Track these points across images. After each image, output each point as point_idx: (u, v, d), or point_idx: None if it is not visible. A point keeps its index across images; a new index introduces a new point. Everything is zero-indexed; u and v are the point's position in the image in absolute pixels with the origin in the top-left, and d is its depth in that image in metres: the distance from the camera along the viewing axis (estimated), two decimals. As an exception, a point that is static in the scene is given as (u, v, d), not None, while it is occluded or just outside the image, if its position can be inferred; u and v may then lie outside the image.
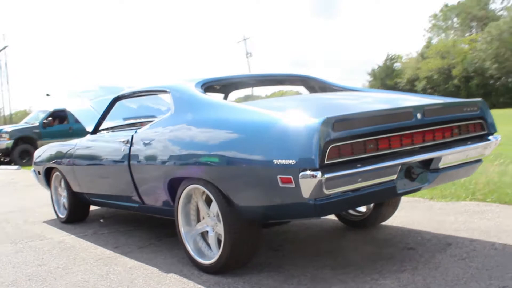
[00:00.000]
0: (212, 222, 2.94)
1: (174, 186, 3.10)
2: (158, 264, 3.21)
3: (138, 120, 4.53)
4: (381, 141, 2.44)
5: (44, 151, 5.10)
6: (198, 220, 3.09)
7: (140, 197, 3.51)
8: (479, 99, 3.01)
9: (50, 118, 15.18)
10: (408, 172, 2.62)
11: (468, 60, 46.03)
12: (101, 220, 4.86)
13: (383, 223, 3.74)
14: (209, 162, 2.70)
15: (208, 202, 2.96)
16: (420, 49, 57.67)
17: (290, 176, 2.25)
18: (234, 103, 3.01)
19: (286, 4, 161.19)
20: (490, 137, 3.01)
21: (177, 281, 2.86)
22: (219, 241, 2.89)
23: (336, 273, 2.75)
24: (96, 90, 5.32)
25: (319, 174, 2.16)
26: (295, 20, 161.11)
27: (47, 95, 5.46)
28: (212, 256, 2.95)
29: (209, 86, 3.32)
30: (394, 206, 3.60)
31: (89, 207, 4.85)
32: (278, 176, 2.31)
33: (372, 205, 3.56)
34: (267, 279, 2.76)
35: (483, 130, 2.99)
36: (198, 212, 3.09)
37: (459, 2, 55.04)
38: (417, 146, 2.63)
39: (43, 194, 6.96)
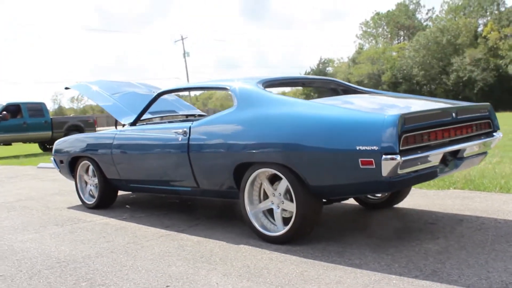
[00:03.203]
0: (278, 200, 3.49)
1: (239, 171, 3.63)
2: (221, 239, 3.71)
3: (167, 114, 5.08)
4: (431, 134, 3.11)
5: (68, 141, 5.43)
6: (260, 200, 3.64)
7: (196, 181, 3.99)
8: (488, 103, 3.78)
9: (4, 112, 14.93)
10: (444, 159, 3.30)
11: (397, 67, 48.62)
12: (127, 206, 5.26)
13: (396, 205, 4.43)
14: (287, 150, 3.25)
15: (272, 183, 3.52)
16: (352, 55, 60.12)
17: (372, 159, 2.86)
18: (303, 100, 3.58)
19: (219, 6, 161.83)
20: (494, 134, 3.76)
21: (251, 250, 3.39)
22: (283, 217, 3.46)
23: (380, 242, 3.38)
24: (114, 86, 5.70)
25: (398, 157, 2.79)
26: (228, 22, 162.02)
27: (66, 88, 5.76)
28: (275, 229, 3.51)
29: (268, 85, 3.88)
30: (408, 190, 4.31)
31: (117, 194, 5.24)
32: (360, 159, 2.91)
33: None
34: (328, 246, 3.35)
35: (490, 128, 3.74)
36: (260, 193, 3.64)
37: (388, 11, 57.82)
38: (452, 138, 3.32)
39: (34, 185, 7.26)
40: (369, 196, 4.40)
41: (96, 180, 5.12)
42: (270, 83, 3.97)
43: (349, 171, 3.02)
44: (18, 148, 19.54)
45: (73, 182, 5.50)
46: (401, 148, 2.84)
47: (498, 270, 2.71)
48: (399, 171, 2.88)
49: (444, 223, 3.79)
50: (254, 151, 3.46)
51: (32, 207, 5.51)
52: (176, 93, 4.70)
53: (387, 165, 2.82)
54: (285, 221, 3.50)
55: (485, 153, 3.79)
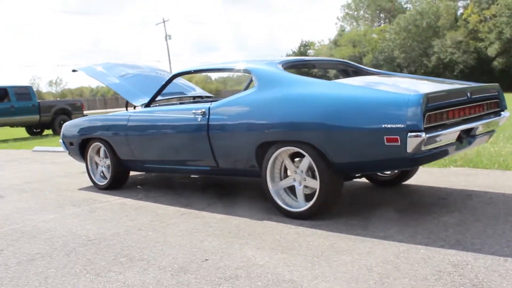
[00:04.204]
0: (299, 177, 3.63)
1: (260, 149, 3.75)
2: (244, 216, 3.84)
3: (176, 96, 5.19)
4: (450, 113, 3.27)
5: (78, 123, 5.48)
6: (280, 178, 3.77)
7: (215, 161, 4.11)
8: (497, 84, 3.96)
9: (-8, 96, 14.79)
10: (459, 137, 3.46)
11: (378, 49, 48.93)
12: (139, 187, 5.36)
13: (404, 182, 4.60)
14: (312, 129, 3.37)
15: (292, 161, 3.66)
16: (333, 37, 60.28)
17: (397, 136, 3.01)
18: (326, 80, 3.70)
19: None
20: (502, 113, 3.94)
21: (277, 225, 3.53)
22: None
23: (399, 216, 3.55)
24: (121, 67, 5.75)
25: (423, 134, 2.95)
26: (208, 5, 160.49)
27: (73, 70, 5.79)
28: (297, 205, 3.66)
29: (287, 66, 3.99)
30: (416, 168, 4.49)
31: (129, 174, 5.33)
32: (385, 137, 3.06)
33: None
34: (350, 221, 3.50)
35: (498, 107, 3.92)
36: (281, 170, 3.77)
37: (369, -7, 57.97)
38: (466, 117, 3.48)
39: (36, 168, 7.32)
40: (379, 173, 4.57)
41: (107, 162, 5.20)
42: (289, 65, 4.09)
43: (374, 148, 3.16)
44: (3, 132, 19.34)
45: (80, 164, 5.59)
46: (424, 126, 3.00)
47: (517, 239, 2.89)
48: (423, 148, 3.03)
49: (455, 198, 3.97)
50: (278, 130, 3.58)
51: (43, 189, 5.57)
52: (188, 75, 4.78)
53: (412, 142, 2.97)
54: (306, 197, 3.64)
55: (493, 131, 3.98)
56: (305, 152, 3.49)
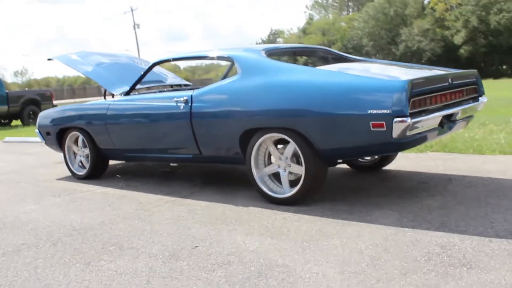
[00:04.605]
0: (284, 164, 3.65)
1: (244, 136, 3.76)
2: (228, 202, 3.85)
3: (155, 84, 5.14)
4: (433, 98, 3.33)
5: (55, 113, 5.38)
6: (265, 164, 3.79)
7: (198, 148, 4.10)
8: (475, 70, 4.04)
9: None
10: (441, 122, 3.53)
11: (347, 37, 49.33)
12: (118, 176, 5.31)
13: (384, 168, 4.68)
14: (298, 115, 3.39)
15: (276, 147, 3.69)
16: (302, 25, 60.45)
17: (383, 122, 3.05)
18: (310, 67, 3.72)
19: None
20: (480, 98, 4.03)
21: (262, 211, 3.55)
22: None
23: (383, 200, 3.61)
24: (97, 55, 5.67)
25: (409, 119, 3.00)
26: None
27: (49, 59, 5.67)
28: (282, 192, 3.68)
29: (270, 54, 3.99)
30: (395, 154, 4.56)
31: (108, 164, 5.27)
32: (371, 122, 3.10)
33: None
34: (335, 206, 3.55)
35: (476, 93, 4.00)
36: (265, 157, 3.79)
37: (338, -19, 58.24)
38: (448, 103, 3.55)
39: (9, 158, 7.24)
40: (359, 159, 4.63)
41: (86, 151, 5.13)
42: (272, 52, 4.09)
43: (360, 134, 3.21)
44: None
45: (54, 154, 5.51)
46: (410, 111, 3.05)
47: (499, 221, 2.98)
48: (408, 133, 3.09)
49: (435, 182, 4.06)
50: (263, 117, 3.59)
51: (19, 180, 5.46)
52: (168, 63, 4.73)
53: (398, 127, 3.02)
54: (291, 183, 3.67)
55: (471, 116, 4.07)
56: (291, 138, 3.50)
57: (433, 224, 2.99)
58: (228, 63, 4.14)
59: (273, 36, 65.99)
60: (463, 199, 3.50)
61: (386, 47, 46.21)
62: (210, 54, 4.31)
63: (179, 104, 4.09)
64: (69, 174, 5.41)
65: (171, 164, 5.71)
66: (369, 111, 3.10)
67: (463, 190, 3.75)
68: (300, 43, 54.63)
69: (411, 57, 43.51)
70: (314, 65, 4.57)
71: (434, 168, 4.61)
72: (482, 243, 2.63)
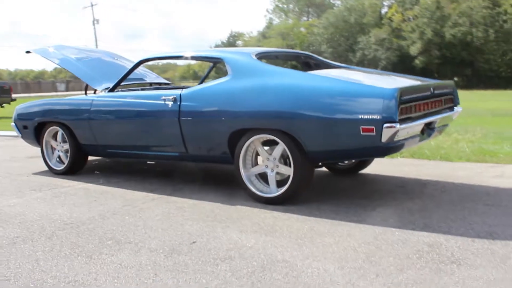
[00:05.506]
0: (272, 164, 3.78)
1: (233, 136, 3.86)
2: (215, 201, 3.93)
3: (136, 82, 5.22)
4: (417, 106, 3.53)
5: (33, 106, 5.32)
6: (252, 164, 3.90)
7: (185, 147, 4.16)
8: (452, 81, 4.29)
9: None
10: (422, 129, 3.74)
11: (306, 43, 49.94)
12: (97, 172, 5.30)
13: (360, 171, 4.87)
14: (289, 118, 3.52)
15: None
16: (262, 29, 60.86)
17: (373, 127, 3.22)
18: (302, 72, 3.85)
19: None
20: (455, 108, 4.27)
21: (251, 209, 3.66)
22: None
23: (366, 202, 3.78)
24: (78, 49, 5.65)
25: (398, 125, 3.18)
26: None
27: (27, 52, 5.60)
28: (269, 191, 3.80)
29: (261, 57, 4.11)
30: (372, 158, 4.76)
31: (87, 159, 5.25)
32: (361, 127, 3.26)
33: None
34: (321, 206, 3.69)
35: (452, 103, 4.24)
36: (252, 157, 3.90)
37: (299, -14, 58.96)
38: (429, 111, 3.76)
39: None
40: (339, 162, 4.80)
41: (66, 146, 5.10)
42: (262, 55, 4.21)
43: (349, 138, 3.37)
44: None
45: (26, 148, 5.45)
46: (399, 118, 3.23)
47: (477, 223, 3.19)
48: (395, 138, 3.27)
49: (412, 186, 4.27)
50: (253, 118, 3.70)
51: (-8, 174, 5.37)
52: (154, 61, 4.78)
53: (387, 133, 3.19)
54: (278, 183, 3.80)
55: (447, 125, 4.31)
56: (281, 140, 3.63)
57: (417, 225, 3.18)
58: (211, 64, 4.24)
59: (233, 38, 66.09)
60: (441, 202, 3.71)
61: (344, 54, 47.00)
62: (200, 55, 4.39)
63: (167, 102, 4.15)
64: (45, 169, 5.36)
65: (148, 162, 5.75)
66: (359, 116, 3.26)
67: (439, 194, 3.96)
68: (259, 46, 55.02)
69: (368, 65, 44.41)
70: (303, 69, 4.71)
71: (408, 173, 4.83)
72: (466, 243, 2.83)
